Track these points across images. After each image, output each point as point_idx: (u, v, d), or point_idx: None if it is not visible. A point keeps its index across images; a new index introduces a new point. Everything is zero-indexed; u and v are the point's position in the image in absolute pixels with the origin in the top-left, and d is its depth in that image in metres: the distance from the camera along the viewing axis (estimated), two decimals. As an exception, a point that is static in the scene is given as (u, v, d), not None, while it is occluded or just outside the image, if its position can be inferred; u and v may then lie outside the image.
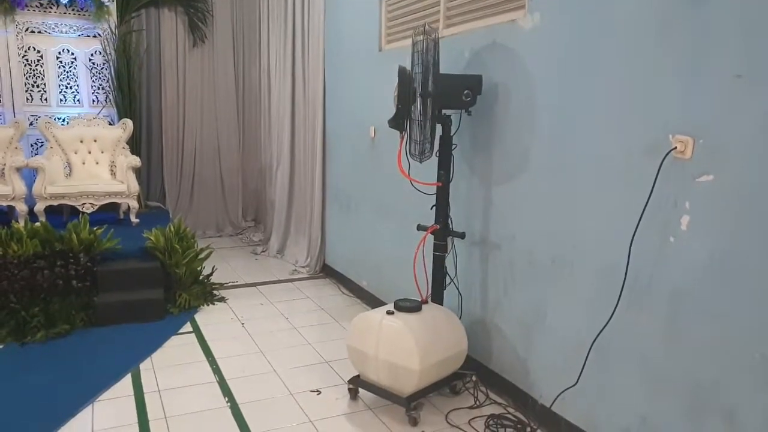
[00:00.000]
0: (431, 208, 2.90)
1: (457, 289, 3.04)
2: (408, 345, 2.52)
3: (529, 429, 2.58)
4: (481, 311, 2.99)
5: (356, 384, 2.80)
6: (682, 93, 1.92)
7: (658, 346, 2.03)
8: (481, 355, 2.98)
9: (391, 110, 3.70)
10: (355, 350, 2.74)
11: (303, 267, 5.19)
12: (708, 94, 1.84)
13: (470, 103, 2.73)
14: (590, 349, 2.25)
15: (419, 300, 2.80)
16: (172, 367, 3.17)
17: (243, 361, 3.26)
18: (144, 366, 3.17)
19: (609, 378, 2.23)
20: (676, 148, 1.92)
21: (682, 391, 1.96)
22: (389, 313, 2.65)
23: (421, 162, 2.68)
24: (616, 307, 2.13)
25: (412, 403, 2.59)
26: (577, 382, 2.32)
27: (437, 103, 2.62)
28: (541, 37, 2.51)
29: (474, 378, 2.94)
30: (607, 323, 2.16)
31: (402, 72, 2.53)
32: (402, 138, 2.70)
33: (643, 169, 2.05)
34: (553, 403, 2.46)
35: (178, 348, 3.43)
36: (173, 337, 3.57)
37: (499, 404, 2.80)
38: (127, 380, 3.00)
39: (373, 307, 4.09)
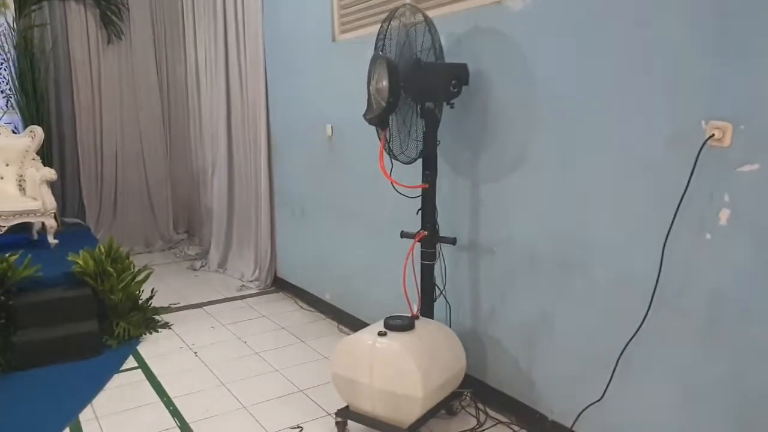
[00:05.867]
0: (417, 213, 2.61)
1: (445, 299, 2.78)
2: (408, 369, 2.23)
3: (539, 447, 2.37)
4: (472, 322, 2.75)
5: (345, 416, 2.46)
6: (717, 75, 1.74)
7: (694, 354, 1.86)
8: (475, 370, 2.73)
9: (353, 105, 3.39)
10: (342, 378, 2.41)
11: (251, 281, 4.75)
12: (749, 75, 1.67)
13: (456, 95, 2.47)
14: (618, 359, 2.05)
15: (409, 315, 2.51)
16: (120, 413, 2.70)
17: (204, 398, 2.84)
18: (85, 416, 2.67)
19: (636, 390, 2.04)
20: (713, 135, 1.74)
21: (726, 400, 1.79)
22: (381, 334, 2.35)
23: (411, 163, 2.39)
24: (647, 313, 1.94)
25: (413, 434, 2.31)
26: (602, 396, 2.12)
27: (425, 96, 2.35)
28: (534, 18, 2.29)
29: (468, 395, 2.70)
30: (637, 330, 1.97)
31: (389, 62, 2.22)
32: (384, 136, 2.40)
33: (669, 159, 1.87)
34: (576, 421, 2.24)
35: (125, 389, 2.94)
36: (116, 376, 3.07)
37: (503, 423, 2.57)
38: (65, 437, 2.51)
39: (339, 322, 3.78)
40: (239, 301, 4.37)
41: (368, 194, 3.39)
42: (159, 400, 2.81)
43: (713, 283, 1.80)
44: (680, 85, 1.84)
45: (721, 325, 1.79)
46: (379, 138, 2.57)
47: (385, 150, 2.44)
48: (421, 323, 2.48)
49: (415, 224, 2.74)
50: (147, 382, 3.00)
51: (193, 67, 5.40)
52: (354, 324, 3.63)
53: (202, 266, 5.29)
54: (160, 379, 3.03)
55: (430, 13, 2.79)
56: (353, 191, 3.53)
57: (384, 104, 2.20)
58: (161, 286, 4.48)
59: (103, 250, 3.64)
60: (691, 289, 1.85)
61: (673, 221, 1.84)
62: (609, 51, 2.03)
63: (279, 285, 4.61)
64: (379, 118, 2.26)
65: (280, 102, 4.24)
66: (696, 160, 1.77)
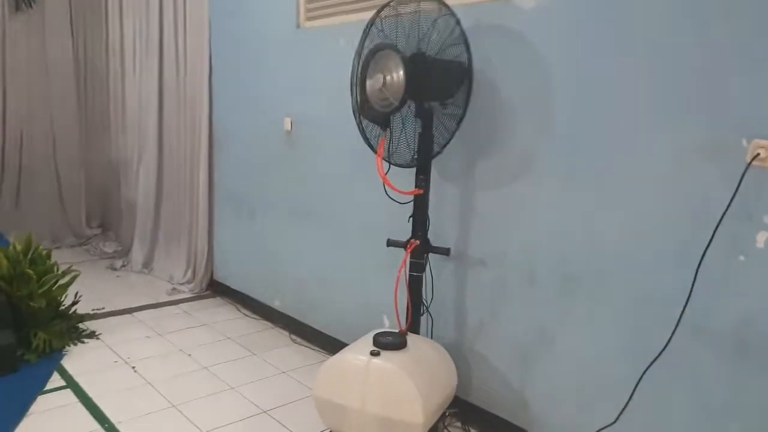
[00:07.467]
0: (408, 220, 2.43)
1: (428, 312, 2.62)
2: (408, 393, 2.04)
3: (530, 469, 2.27)
4: (455, 336, 2.61)
5: (328, 443, 2.24)
6: (760, 89, 1.68)
7: (720, 379, 1.82)
8: (458, 387, 2.58)
9: (319, 99, 3.18)
10: (328, 403, 2.17)
11: (182, 284, 4.33)
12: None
13: (455, 94, 2.32)
14: (639, 381, 1.97)
15: (397, 331, 2.33)
16: (51, 446, 2.29)
17: (154, 423, 2.48)
18: (6, 451, 2.25)
19: (654, 414, 1.97)
20: (758, 154, 1.70)
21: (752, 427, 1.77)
22: (374, 353, 2.14)
23: (409, 167, 2.21)
24: (672, 335, 1.88)
25: (406, 461, 2.12)
26: (616, 419, 2.04)
27: (429, 94, 2.17)
28: (549, 17, 2.16)
29: (448, 414, 2.55)
30: (661, 352, 1.90)
31: (402, 55, 2.01)
32: (384, 137, 2.19)
33: (700, 176, 1.81)
34: (585, 444, 2.16)
35: (54, 414, 2.50)
36: (40, 398, 2.61)
37: (490, 443, 2.46)
38: (-15, 479, 2.08)
39: (292, 332, 3.51)
40: (172, 306, 3.95)
41: (332, 196, 3.16)
42: (100, 427, 2.41)
43: (744, 307, 1.76)
44: (716, 99, 1.77)
45: (750, 351, 1.76)
46: (368, 139, 2.36)
47: (386, 154, 2.23)
48: (412, 340, 2.30)
49: (388, 230, 2.60)
50: (81, 405, 2.58)
51: (117, 45, 4.85)
52: (310, 334, 3.39)
53: (123, 266, 4.78)
54: (96, 400, 2.62)
55: (421, 6, 2.61)
56: (314, 192, 3.28)
57: (396, 102, 1.99)
58: (79, 289, 3.96)
59: (18, 248, 3.13)
60: (719, 311, 1.81)
61: (710, 242, 1.78)
62: (635, 57, 1.95)
63: (216, 289, 4.23)
64: (385, 117, 2.05)
65: (227, 91, 3.88)
66: (741, 180, 1.72)
